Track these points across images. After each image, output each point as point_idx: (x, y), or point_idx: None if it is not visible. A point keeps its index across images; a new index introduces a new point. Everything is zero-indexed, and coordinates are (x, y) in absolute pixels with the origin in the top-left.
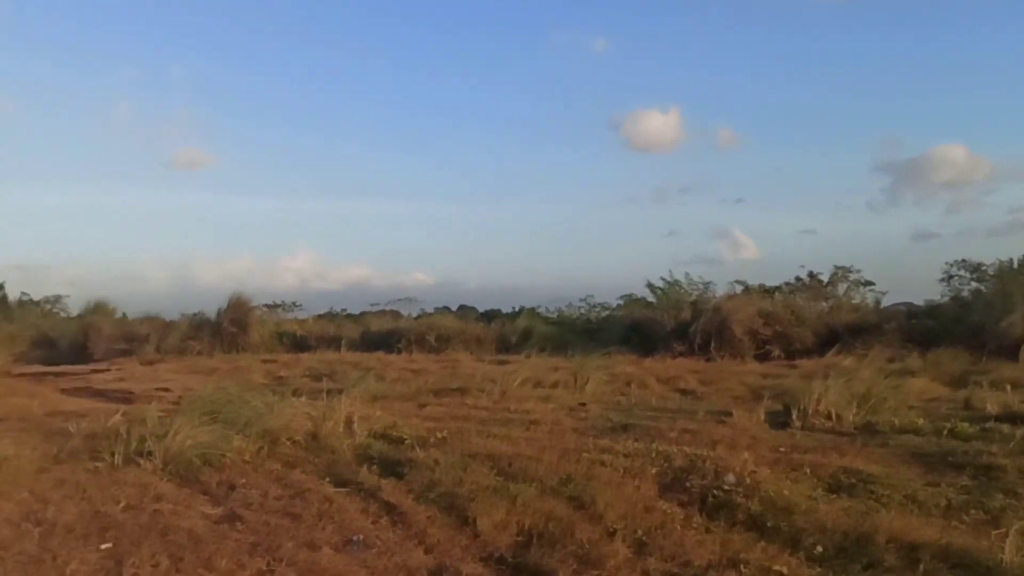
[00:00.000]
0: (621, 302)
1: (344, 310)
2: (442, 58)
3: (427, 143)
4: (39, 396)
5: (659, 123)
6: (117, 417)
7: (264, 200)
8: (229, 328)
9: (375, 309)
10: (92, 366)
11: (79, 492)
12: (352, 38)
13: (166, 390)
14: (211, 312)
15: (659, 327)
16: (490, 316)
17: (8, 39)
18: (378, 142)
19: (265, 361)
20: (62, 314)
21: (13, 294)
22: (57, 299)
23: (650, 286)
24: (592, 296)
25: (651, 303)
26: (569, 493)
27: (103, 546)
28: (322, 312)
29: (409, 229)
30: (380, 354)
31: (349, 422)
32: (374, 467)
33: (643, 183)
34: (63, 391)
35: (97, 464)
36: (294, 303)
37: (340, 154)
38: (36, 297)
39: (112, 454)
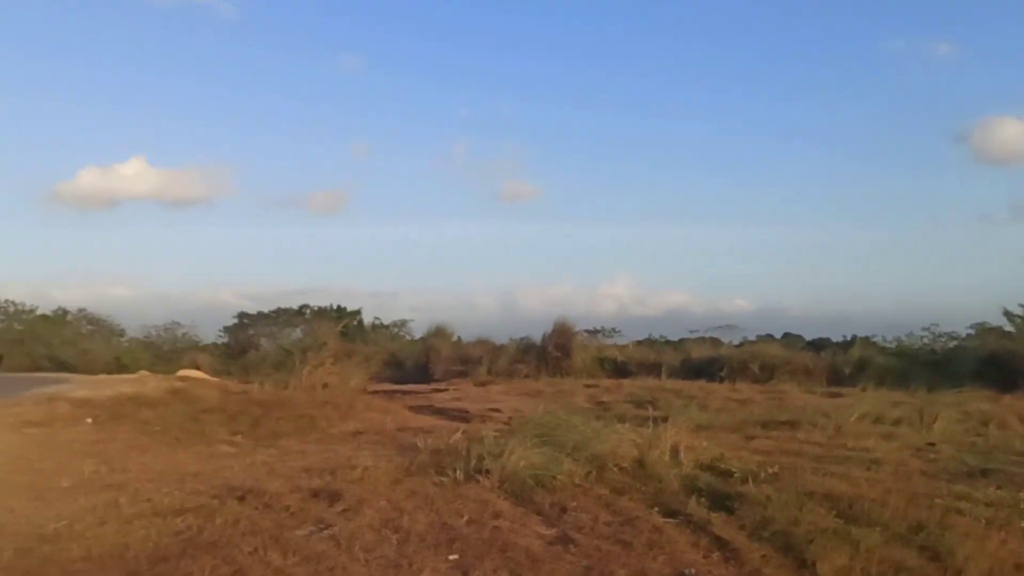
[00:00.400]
0: (972, 331)
1: (663, 336)
2: (763, 77)
3: (747, 164)
4: (391, 412)
5: (1016, 132)
6: (457, 435)
7: (585, 228)
8: (553, 352)
9: (694, 336)
10: (433, 386)
11: (428, 504)
12: (667, 64)
13: (497, 410)
14: (537, 337)
15: (1021, 360)
16: (818, 345)
17: (361, 92)
18: (697, 166)
19: (587, 385)
20: (407, 337)
21: (368, 318)
22: (403, 323)
23: (1008, 314)
24: (937, 325)
25: (1009, 333)
26: (920, 542)
27: (451, 557)
28: (641, 338)
29: (729, 254)
30: (701, 382)
31: (675, 451)
32: (702, 499)
33: (997, 199)
34: (410, 408)
35: (442, 479)
36: (614, 329)
37: (659, 180)
38: (386, 321)
39: (454, 470)
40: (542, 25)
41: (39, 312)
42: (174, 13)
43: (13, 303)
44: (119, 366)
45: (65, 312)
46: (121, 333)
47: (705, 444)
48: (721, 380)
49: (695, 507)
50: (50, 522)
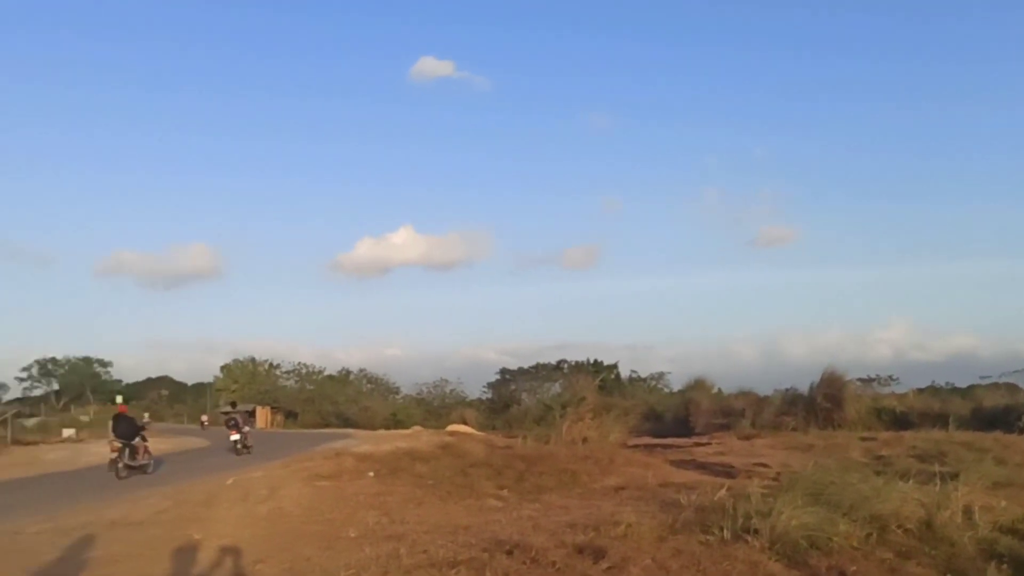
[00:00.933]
0: None
1: (949, 383)
2: None
3: None
4: (652, 467)
5: None
6: (722, 492)
7: (851, 270)
8: (823, 403)
9: (986, 382)
10: (694, 439)
11: (695, 563)
12: (935, 90)
13: (764, 465)
14: (803, 387)
15: None
16: None
17: (609, 147)
18: (977, 195)
19: (863, 438)
20: (665, 390)
21: (624, 372)
22: (660, 376)
23: None
24: None
25: None
26: None
27: None
28: (922, 386)
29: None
30: (997, 433)
31: (968, 512)
32: (1003, 566)
33: None
34: (671, 462)
35: (708, 537)
36: (890, 376)
37: (933, 213)
38: (643, 374)
39: (721, 528)
40: (789, 63)
41: (326, 373)
42: (432, 90)
43: (305, 365)
44: (395, 421)
45: (348, 372)
46: (396, 390)
47: (1004, 504)
48: (1020, 431)
49: (995, 574)
50: (340, 570)
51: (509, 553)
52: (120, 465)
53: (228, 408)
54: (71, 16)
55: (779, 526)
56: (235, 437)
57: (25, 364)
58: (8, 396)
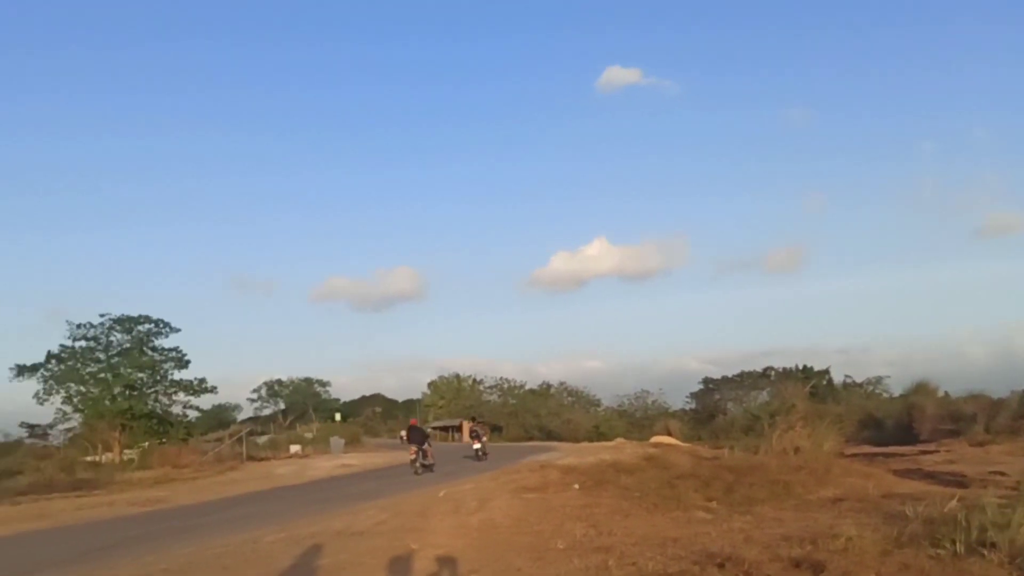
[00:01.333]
0: None
1: None
2: None
3: None
4: (872, 477)
5: None
6: (953, 502)
7: None
8: None
9: None
10: (919, 447)
11: None
12: None
13: (1001, 474)
14: None
15: None
16: None
17: (810, 143)
18: None
19: None
20: (884, 395)
21: (837, 377)
22: (878, 380)
23: None
24: None
25: None
26: None
27: None
28: None
29: None
30: None
31: None
32: None
33: None
34: (893, 472)
35: (939, 551)
36: None
37: None
38: (858, 379)
39: (952, 542)
40: (1002, 35)
41: (527, 387)
42: (621, 99)
43: (507, 380)
44: (598, 434)
45: (548, 386)
46: (597, 403)
47: None
48: None
49: None
50: None
51: (721, 566)
52: (417, 465)
53: (469, 421)
54: (285, 68)
55: (1020, 539)
56: (477, 446)
57: (255, 386)
58: (242, 416)
